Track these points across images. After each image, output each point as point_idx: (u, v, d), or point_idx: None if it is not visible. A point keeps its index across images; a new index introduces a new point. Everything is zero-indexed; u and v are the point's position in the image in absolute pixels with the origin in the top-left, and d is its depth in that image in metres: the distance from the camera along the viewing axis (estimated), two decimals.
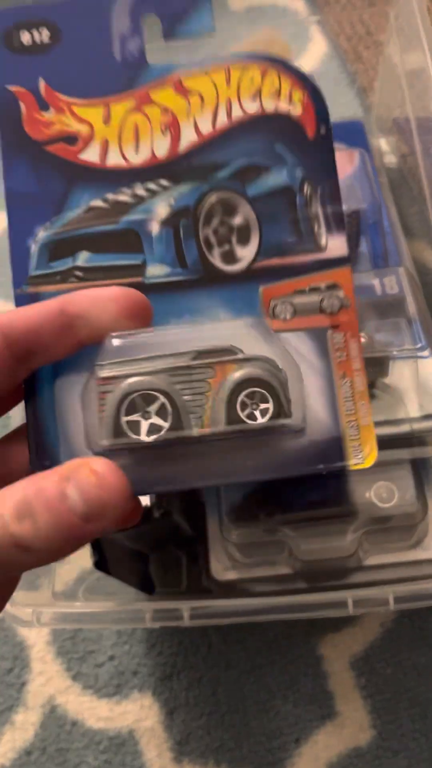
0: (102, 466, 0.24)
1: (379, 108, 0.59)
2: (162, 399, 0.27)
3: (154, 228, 0.30)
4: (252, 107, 0.30)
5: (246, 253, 0.30)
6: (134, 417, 0.27)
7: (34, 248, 0.30)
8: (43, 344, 0.27)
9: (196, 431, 0.27)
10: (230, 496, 0.41)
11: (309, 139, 0.30)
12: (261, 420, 0.27)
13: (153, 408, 0.27)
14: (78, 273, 0.30)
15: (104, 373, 0.28)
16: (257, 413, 0.27)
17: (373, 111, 0.60)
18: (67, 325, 0.27)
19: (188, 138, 0.30)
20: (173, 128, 0.30)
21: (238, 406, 0.27)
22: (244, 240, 0.30)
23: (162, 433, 0.27)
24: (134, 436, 0.27)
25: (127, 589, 0.41)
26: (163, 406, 0.27)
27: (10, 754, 0.46)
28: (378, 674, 0.46)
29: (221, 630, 0.48)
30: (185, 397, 0.27)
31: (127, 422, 0.27)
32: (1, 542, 0.22)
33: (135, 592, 0.42)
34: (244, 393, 0.27)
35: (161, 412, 0.27)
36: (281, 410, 0.27)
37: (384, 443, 0.37)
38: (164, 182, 0.30)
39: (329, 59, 0.65)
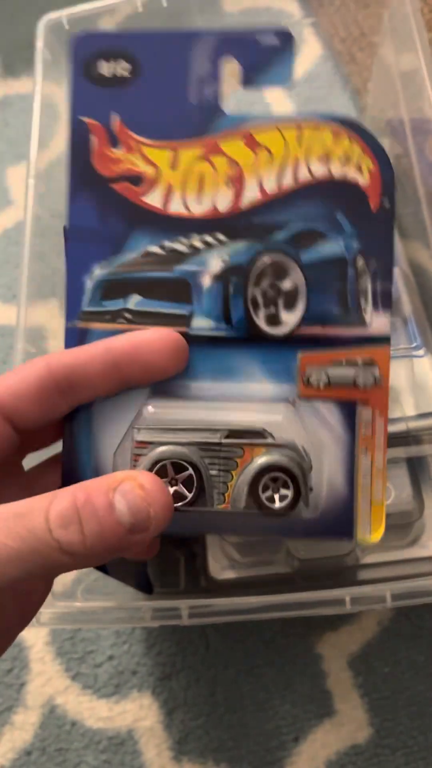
0: (149, 481, 0.25)
1: (373, 109, 0.59)
2: (190, 470, 0.28)
3: (206, 281, 0.30)
4: (319, 170, 0.30)
5: (290, 319, 0.30)
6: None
7: (89, 284, 0.30)
8: (87, 379, 0.28)
9: (216, 507, 0.28)
10: None
11: (371, 211, 0.30)
12: (279, 504, 0.28)
13: (180, 477, 0.28)
14: (127, 315, 0.30)
15: (140, 437, 0.29)
16: (276, 497, 0.28)
17: (367, 112, 0.61)
18: (111, 362, 0.28)
19: (251, 195, 0.30)
20: (238, 183, 0.30)
21: (260, 488, 0.28)
22: (290, 305, 0.30)
23: (184, 502, 0.28)
24: None
25: (125, 589, 0.41)
26: (190, 477, 0.28)
27: (10, 755, 0.46)
28: (376, 673, 0.46)
29: (220, 630, 0.48)
30: (212, 472, 0.28)
31: None
32: (46, 545, 0.24)
33: (134, 592, 0.42)
34: (267, 476, 0.28)
35: (187, 483, 0.28)
36: (299, 499, 0.28)
37: None
38: (221, 237, 0.30)
39: (323, 61, 0.66)
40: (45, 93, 0.48)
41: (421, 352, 0.41)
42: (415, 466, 0.41)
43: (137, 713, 0.47)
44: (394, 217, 0.30)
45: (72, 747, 0.46)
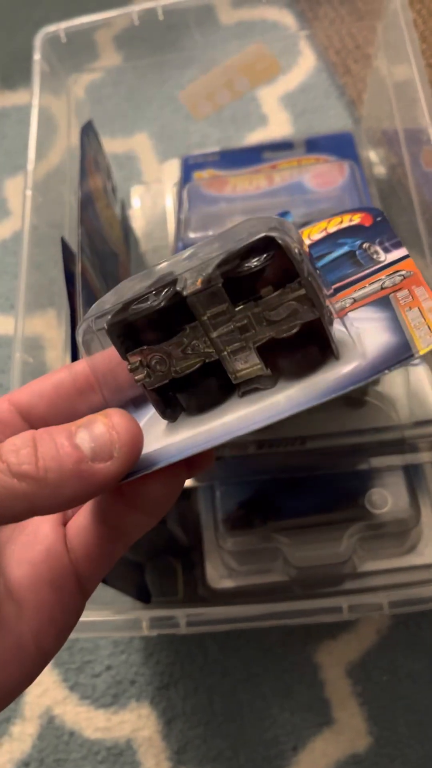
0: (114, 412, 0.24)
1: (368, 120, 0.59)
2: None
3: None
4: (318, 236, 0.35)
5: None
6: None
7: None
8: (106, 374, 0.28)
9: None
10: (225, 504, 0.42)
11: (366, 227, 0.34)
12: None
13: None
14: None
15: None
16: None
17: (363, 123, 0.61)
18: None
19: None
20: None
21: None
22: None
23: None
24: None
25: (123, 598, 0.41)
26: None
27: (9, 766, 0.46)
28: (374, 681, 0.46)
29: (218, 639, 0.48)
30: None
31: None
32: None
33: (132, 602, 0.42)
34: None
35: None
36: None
37: (376, 450, 0.37)
38: None
39: (318, 72, 0.66)
40: (42, 105, 0.48)
41: (416, 361, 0.41)
42: (411, 474, 0.41)
43: (136, 723, 0.46)
44: (389, 223, 0.32)
45: (70, 758, 0.46)
